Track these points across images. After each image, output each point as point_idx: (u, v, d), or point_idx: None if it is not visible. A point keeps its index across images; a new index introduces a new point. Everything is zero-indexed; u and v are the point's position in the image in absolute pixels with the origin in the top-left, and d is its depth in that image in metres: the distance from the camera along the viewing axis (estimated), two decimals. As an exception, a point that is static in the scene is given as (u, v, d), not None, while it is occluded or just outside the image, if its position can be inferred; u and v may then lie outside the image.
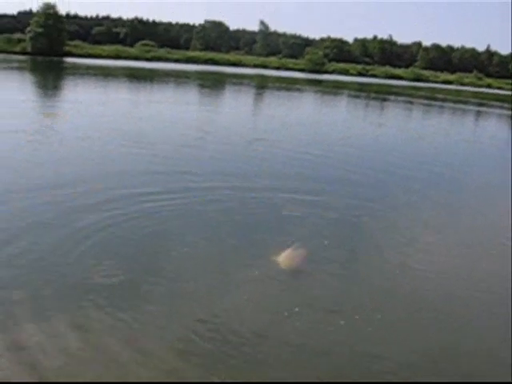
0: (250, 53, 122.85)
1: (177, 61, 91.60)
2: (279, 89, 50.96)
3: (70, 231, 9.01)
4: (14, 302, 6.57)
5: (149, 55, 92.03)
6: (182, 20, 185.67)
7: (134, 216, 9.96)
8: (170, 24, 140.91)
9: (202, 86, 48.75)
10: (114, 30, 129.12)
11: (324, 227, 10.05)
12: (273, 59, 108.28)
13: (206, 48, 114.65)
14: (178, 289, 7.32)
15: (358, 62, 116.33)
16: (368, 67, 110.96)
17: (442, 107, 46.71)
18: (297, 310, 6.87)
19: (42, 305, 6.59)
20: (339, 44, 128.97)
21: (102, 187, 11.76)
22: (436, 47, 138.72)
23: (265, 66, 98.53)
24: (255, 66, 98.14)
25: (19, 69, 53.52)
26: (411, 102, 47.96)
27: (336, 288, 7.66)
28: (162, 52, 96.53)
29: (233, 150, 17.54)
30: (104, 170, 13.48)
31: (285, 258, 8.21)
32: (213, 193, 11.93)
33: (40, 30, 78.60)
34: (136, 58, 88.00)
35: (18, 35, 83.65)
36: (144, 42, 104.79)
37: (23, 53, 77.73)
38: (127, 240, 8.85)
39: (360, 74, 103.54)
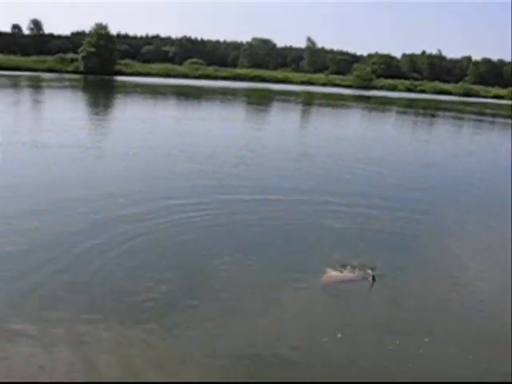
0: (297, 69, 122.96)
1: (225, 78, 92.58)
2: (326, 105, 50.83)
3: (111, 243, 9.12)
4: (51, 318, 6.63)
5: (197, 73, 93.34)
6: (230, 38, 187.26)
7: (174, 229, 10.03)
8: (217, 42, 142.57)
9: (248, 102, 49.00)
10: (163, 48, 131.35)
11: (374, 244, 9.89)
12: (320, 76, 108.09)
13: (254, 65, 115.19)
14: (221, 306, 7.24)
15: (406, 78, 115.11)
16: (416, 83, 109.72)
17: (492, 123, 45.62)
18: (343, 331, 6.72)
19: (81, 317, 6.63)
20: (387, 60, 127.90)
21: (145, 199, 12.03)
22: (486, 61, 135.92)
23: (312, 83, 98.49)
24: (302, 82, 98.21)
25: (72, 87, 55.02)
26: (461, 118, 47.07)
27: (385, 309, 7.48)
28: (210, 70, 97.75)
29: (278, 165, 17.50)
30: (147, 183, 13.76)
31: (332, 277, 8.08)
32: (258, 206, 11.95)
33: (92, 49, 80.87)
34: (185, 76, 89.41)
35: (70, 55, 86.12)
36: (192, 60, 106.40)
37: (75, 72, 79.89)
38: (167, 254, 8.89)
39: (408, 90, 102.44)
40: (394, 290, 8.05)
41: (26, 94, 43.70)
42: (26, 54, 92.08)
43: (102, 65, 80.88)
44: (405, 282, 8.48)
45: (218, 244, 9.44)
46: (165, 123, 27.87)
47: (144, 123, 27.04)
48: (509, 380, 5.10)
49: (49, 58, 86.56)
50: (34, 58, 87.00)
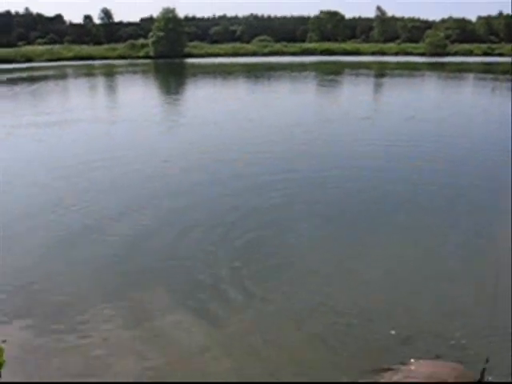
0: (367, 40, 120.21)
1: (293, 54, 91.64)
2: (399, 75, 49.30)
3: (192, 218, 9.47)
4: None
5: (266, 50, 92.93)
6: (297, 13, 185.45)
7: (252, 203, 10.30)
8: (284, 18, 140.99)
9: (319, 76, 48.32)
10: (231, 28, 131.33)
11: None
12: (391, 45, 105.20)
13: (322, 39, 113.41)
14: (295, 276, 7.25)
15: (482, 42, 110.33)
16: (494, 46, 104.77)
17: None
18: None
19: (174, 296, 6.80)
20: (461, 24, 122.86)
21: (218, 169, 12.92)
22: None
23: (383, 53, 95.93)
24: (373, 53, 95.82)
25: (144, 72, 56.18)
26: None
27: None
28: (278, 46, 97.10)
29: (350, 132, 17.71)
30: (217, 152, 14.70)
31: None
32: (330, 175, 12.19)
33: (161, 34, 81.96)
34: (253, 54, 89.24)
35: (141, 41, 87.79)
36: (260, 37, 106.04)
37: (146, 57, 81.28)
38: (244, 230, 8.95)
39: (485, 54, 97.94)
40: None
41: (102, 80, 45.05)
42: (98, 43, 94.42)
43: (171, 48, 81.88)
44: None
45: (292, 215, 9.58)
46: (235, 99, 28.21)
47: (216, 99, 27.95)
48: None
49: (120, 45, 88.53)
50: (105, 46, 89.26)
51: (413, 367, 4.89)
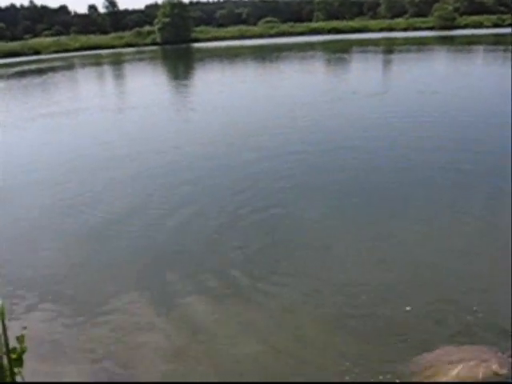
0: (374, 17, 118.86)
1: (300, 34, 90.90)
2: (407, 51, 48.77)
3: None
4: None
5: (272, 31, 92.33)
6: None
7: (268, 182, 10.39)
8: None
9: (326, 55, 47.95)
10: (236, 11, 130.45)
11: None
12: (399, 20, 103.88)
13: (329, 17, 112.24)
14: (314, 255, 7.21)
15: (492, 13, 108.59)
16: (504, 17, 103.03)
17: None
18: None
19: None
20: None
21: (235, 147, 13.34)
22: None
23: (391, 29, 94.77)
24: (381, 29, 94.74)
25: (152, 58, 56.10)
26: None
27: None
28: (285, 27, 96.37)
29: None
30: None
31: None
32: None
33: (167, 20, 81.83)
34: (260, 36, 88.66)
35: (147, 28, 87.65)
36: (267, 19, 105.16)
37: (153, 44, 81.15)
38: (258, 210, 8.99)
39: (495, 26, 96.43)
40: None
41: (110, 69, 45.09)
42: (104, 32, 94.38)
43: (178, 34, 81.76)
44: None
45: (306, 196, 9.58)
46: (248, 81, 28.34)
47: (222, 82, 28.22)
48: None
49: (126, 33, 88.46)
50: (112, 35, 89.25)
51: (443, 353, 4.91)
